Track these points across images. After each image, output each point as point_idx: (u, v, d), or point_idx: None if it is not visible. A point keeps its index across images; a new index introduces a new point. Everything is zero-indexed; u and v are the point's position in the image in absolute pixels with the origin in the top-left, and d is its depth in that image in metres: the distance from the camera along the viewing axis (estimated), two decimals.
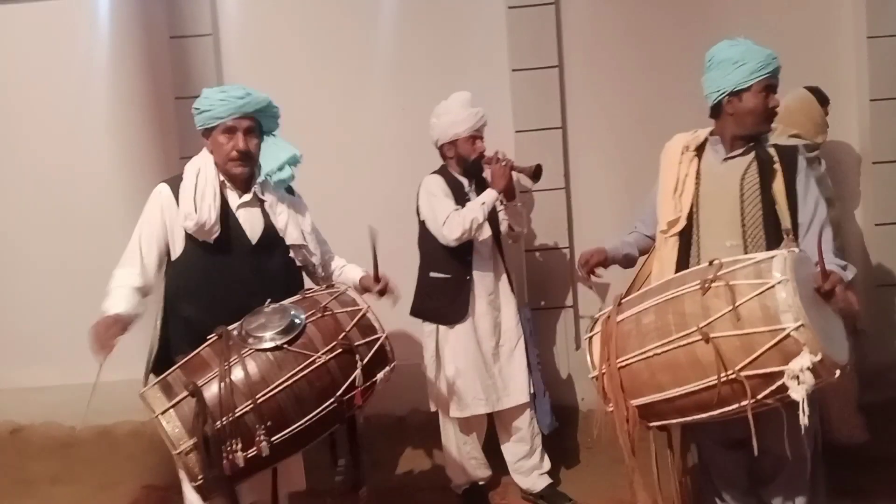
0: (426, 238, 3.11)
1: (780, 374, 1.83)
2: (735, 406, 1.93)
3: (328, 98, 3.91)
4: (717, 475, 2.56)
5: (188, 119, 3.64)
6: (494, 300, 3.14)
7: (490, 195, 3.00)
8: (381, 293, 2.50)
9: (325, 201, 3.62)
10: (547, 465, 3.24)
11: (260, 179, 2.42)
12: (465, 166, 3.13)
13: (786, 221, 2.30)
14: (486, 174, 3.14)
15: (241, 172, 2.35)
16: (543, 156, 3.83)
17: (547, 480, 3.21)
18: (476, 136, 3.11)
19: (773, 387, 1.86)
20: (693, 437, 2.58)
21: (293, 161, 2.50)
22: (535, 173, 3.04)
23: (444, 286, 3.09)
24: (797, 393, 1.80)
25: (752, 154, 2.40)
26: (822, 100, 3.32)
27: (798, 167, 2.38)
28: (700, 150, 2.49)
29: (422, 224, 3.13)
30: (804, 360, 1.77)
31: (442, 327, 3.11)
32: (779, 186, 2.34)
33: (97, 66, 3.93)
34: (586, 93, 3.88)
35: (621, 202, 3.75)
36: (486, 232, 3.11)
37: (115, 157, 3.96)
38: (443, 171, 3.17)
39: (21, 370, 3.97)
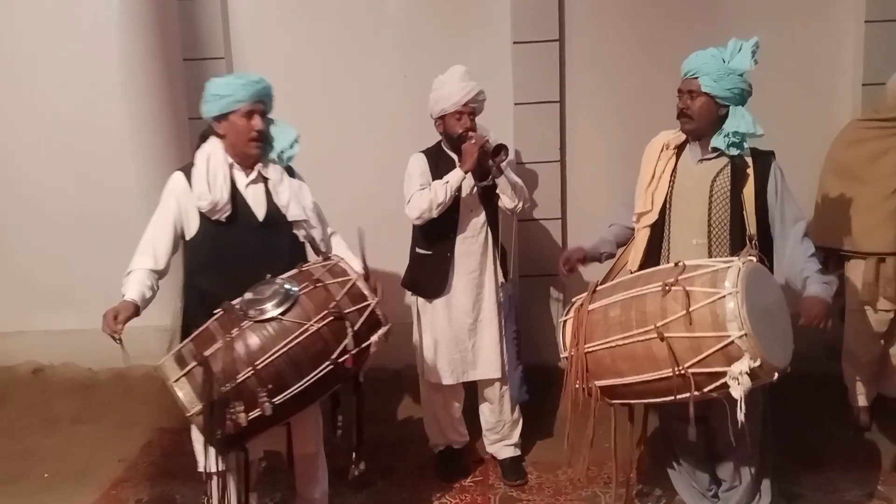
0: None
1: (724, 373, 2.04)
2: (684, 395, 2.14)
3: (333, 61, 4.01)
4: (676, 443, 2.77)
5: (196, 79, 3.83)
6: (477, 277, 3.18)
7: (455, 175, 2.99)
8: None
9: (326, 167, 3.76)
10: (515, 437, 3.33)
11: (273, 156, 2.57)
12: (452, 143, 3.10)
13: (751, 227, 2.44)
14: None
15: (258, 152, 2.51)
16: (541, 128, 3.98)
17: (511, 452, 3.32)
18: (464, 111, 3.03)
19: (717, 383, 2.07)
20: (655, 409, 2.79)
21: (297, 140, 2.65)
22: (494, 152, 2.95)
23: (426, 261, 3.20)
24: (736, 392, 2.01)
25: (727, 158, 2.51)
26: None
27: (770, 174, 2.49)
28: (680, 149, 2.61)
29: None
30: (744, 365, 1.98)
31: (421, 299, 3.25)
32: (749, 192, 2.46)
33: (108, 24, 4.05)
34: (585, 67, 3.97)
35: (613, 177, 3.87)
36: (475, 208, 3.13)
37: (127, 113, 4.12)
38: (434, 147, 3.20)
39: (41, 314, 4.23)
